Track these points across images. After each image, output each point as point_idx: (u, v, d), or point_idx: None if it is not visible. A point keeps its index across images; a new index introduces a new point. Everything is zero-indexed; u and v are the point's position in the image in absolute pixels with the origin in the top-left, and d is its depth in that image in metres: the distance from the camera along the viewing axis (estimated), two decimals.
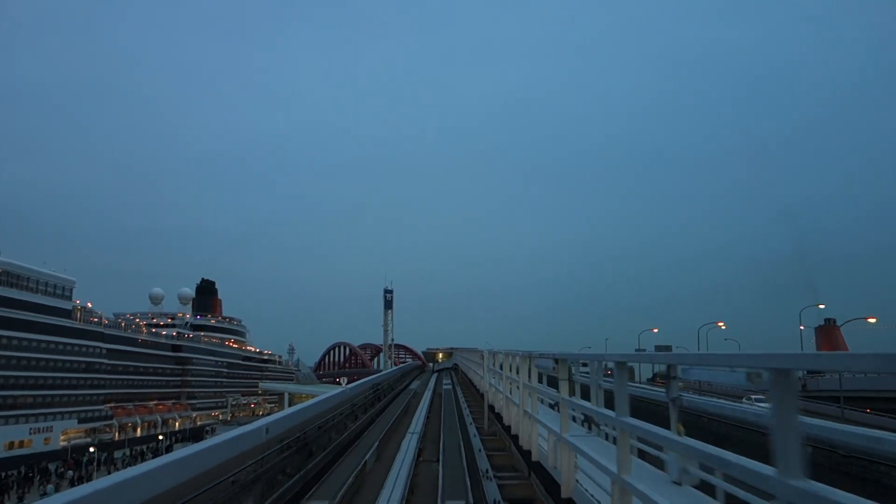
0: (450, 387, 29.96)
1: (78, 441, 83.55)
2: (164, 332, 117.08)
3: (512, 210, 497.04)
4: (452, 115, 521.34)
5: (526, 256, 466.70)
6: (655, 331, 70.58)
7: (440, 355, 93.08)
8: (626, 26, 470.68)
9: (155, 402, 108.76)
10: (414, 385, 35.22)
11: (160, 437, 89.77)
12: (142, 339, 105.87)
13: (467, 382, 26.80)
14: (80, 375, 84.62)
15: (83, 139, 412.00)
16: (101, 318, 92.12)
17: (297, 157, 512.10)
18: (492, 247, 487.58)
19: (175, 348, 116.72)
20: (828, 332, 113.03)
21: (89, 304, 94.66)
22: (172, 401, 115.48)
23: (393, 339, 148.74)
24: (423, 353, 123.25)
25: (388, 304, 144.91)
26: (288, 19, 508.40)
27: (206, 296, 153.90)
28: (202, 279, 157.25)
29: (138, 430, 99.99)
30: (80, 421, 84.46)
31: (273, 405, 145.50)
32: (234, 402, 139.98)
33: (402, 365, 50.69)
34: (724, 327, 63.68)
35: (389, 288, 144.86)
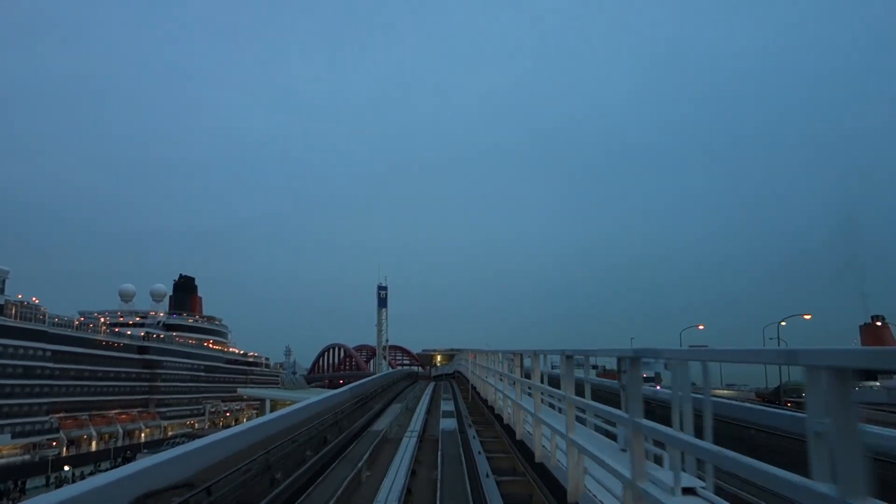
0: (454, 425, 15.29)
1: (13, 459, 71.14)
2: (129, 332, 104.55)
3: (521, 211, 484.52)
4: (449, 114, 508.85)
5: (533, 257, 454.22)
6: (701, 327, 58.22)
7: (438, 358, 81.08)
8: (632, 25, 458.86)
9: (116, 410, 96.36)
10: (384, 420, 17.90)
11: (66, 468, 74.07)
12: (101, 340, 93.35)
13: (486, 416, 13.36)
14: (15, 382, 72.11)
15: (76, 140, 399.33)
16: (45, 315, 79.58)
17: (292, 157, 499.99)
18: (492, 248, 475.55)
19: (142, 350, 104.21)
20: (874, 332, 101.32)
21: (35, 300, 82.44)
22: (139, 409, 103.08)
23: (388, 340, 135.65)
24: (418, 354, 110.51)
25: (383, 302, 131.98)
26: (282, 20, 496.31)
27: (184, 293, 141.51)
28: (180, 275, 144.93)
29: (93, 443, 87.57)
30: (16, 435, 71.86)
31: (257, 412, 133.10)
32: (212, 409, 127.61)
33: (382, 373, 36.40)
34: (808, 318, 51.34)
35: (384, 284, 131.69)
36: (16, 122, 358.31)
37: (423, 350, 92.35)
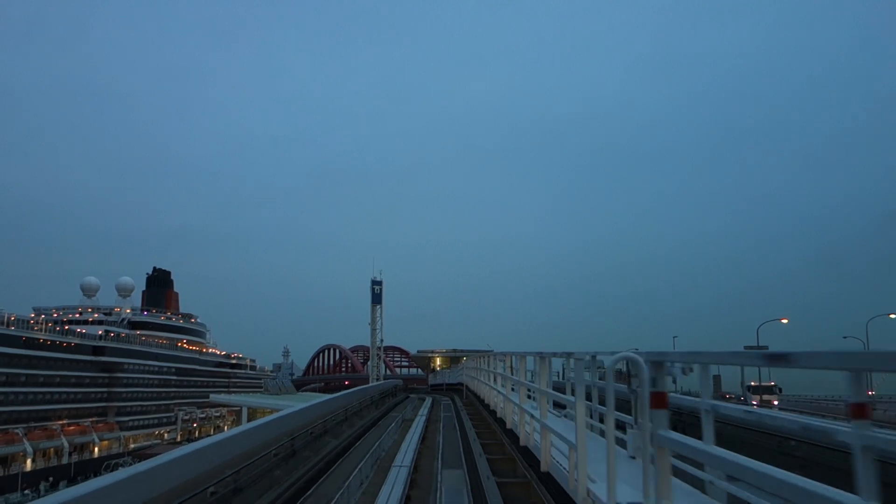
0: None
1: None
2: (78, 330, 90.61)
3: (519, 211, 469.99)
4: (445, 115, 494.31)
5: (531, 258, 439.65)
6: (785, 321, 44.77)
7: (438, 361, 67.26)
8: (639, 25, 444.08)
9: (64, 421, 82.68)
10: None
11: None
12: (43, 339, 79.73)
13: None
14: None
15: (74, 140, 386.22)
16: None
17: (289, 156, 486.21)
18: (490, 249, 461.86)
19: (97, 350, 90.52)
20: None
21: None
22: (94, 419, 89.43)
23: (382, 340, 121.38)
24: (413, 357, 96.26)
25: (377, 298, 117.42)
26: (278, 23, 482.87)
27: (158, 288, 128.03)
28: (154, 268, 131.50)
29: (28, 461, 73.83)
30: None
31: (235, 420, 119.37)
32: (186, 417, 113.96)
33: (345, 393, 20.43)
34: None
35: (378, 279, 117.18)
36: (10, 121, 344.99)
37: (418, 351, 77.95)
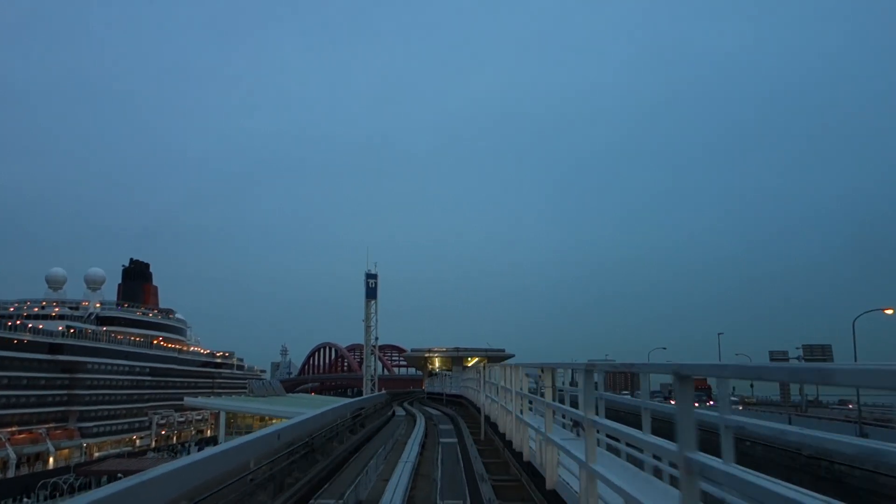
0: None
1: None
2: (30, 326, 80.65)
3: (517, 209, 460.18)
4: (444, 116, 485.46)
5: (528, 257, 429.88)
6: (890, 311, 34.06)
7: (437, 363, 57.25)
8: (632, 23, 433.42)
9: (12, 428, 72.81)
10: None
11: None
12: None
13: None
14: None
15: (76, 139, 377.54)
16: None
17: (286, 158, 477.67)
18: (488, 248, 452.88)
19: (54, 349, 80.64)
20: None
21: None
22: (51, 425, 79.55)
23: (377, 338, 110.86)
24: (406, 356, 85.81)
25: (372, 293, 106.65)
26: (276, 23, 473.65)
27: (134, 281, 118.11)
28: (131, 260, 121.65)
29: None
30: None
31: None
32: (161, 422, 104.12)
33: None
34: None
35: (373, 272, 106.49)
36: (10, 120, 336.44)
37: (412, 350, 67.60)
